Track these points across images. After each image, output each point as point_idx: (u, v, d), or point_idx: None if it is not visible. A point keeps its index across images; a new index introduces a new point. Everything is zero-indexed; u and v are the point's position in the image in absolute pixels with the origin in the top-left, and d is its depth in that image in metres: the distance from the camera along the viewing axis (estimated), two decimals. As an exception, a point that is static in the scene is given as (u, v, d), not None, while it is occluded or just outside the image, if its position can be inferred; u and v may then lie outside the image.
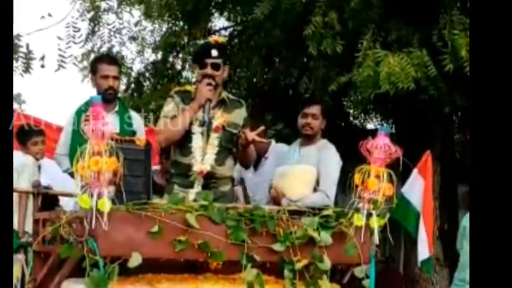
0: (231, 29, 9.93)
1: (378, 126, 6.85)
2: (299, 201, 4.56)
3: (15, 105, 12.88)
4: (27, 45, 6.90)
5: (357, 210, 3.89)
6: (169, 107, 4.61)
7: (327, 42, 6.64)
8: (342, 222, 3.90)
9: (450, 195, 9.33)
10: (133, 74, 10.18)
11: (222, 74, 4.59)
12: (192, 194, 4.37)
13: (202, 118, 4.49)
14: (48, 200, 4.43)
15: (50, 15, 8.35)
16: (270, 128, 7.96)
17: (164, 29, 10.16)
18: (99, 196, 3.39)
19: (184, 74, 10.25)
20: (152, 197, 3.87)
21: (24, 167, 5.61)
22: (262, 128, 4.64)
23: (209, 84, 4.50)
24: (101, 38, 9.84)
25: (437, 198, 7.67)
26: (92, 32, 9.65)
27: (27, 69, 6.97)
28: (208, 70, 4.53)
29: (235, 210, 3.79)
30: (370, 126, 11.05)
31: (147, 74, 10.15)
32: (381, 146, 3.84)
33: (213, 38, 4.73)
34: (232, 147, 4.62)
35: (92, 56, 9.47)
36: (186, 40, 9.41)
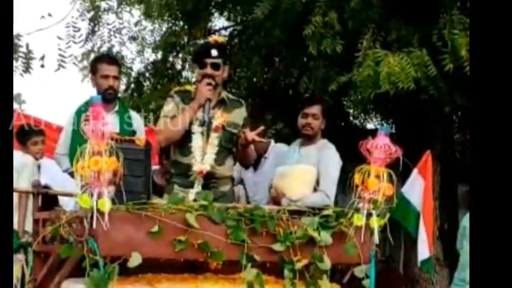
0: (231, 28, 9.93)
1: (378, 126, 6.86)
2: (299, 201, 4.56)
3: (15, 105, 12.86)
4: (27, 45, 6.90)
5: (357, 210, 3.89)
6: (169, 107, 4.61)
7: (327, 42, 6.64)
8: (342, 222, 3.90)
9: (450, 195, 9.33)
10: (133, 74, 10.18)
11: (222, 73, 4.59)
12: (192, 193, 4.37)
13: (202, 118, 4.49)
14: (48, 199, 4.43)
15: (50, 15, 8.36)
16: (270, 128, 7.97)
17: (164, 29, 10.16)
18: (99, 196, 3.39)
19: (184, 73, 10.25)
20: (152, 197, 3.87)
21: (24, 167, 5.62)
22: (262, 127, 4.65)
23: (209, 84, 4.50)
24: (100, 38, 9.84)
25: (437, 198, 7.67)
26: (92, 32, 9.65)
27: (27, 69, 6.97)
28: (208, 70, 4.53)
29: (235, 210, 3.79)
30: (370, 126, 11.05)
31: (147, 74, 10.15)
32: (381, 146, 3.84)
33: (212, 38, 4.73)
34: (232, 147, 4.62)
35: (92, 55, 9.47)
36: (186, 40, 9.40)
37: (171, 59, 9.96)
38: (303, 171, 4.88)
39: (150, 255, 3.55)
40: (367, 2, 6.64)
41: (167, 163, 5.16)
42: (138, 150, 3.90)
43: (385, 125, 9.75)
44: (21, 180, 5.39)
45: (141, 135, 4.84)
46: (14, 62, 6.64)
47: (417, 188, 6.30)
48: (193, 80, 9.28)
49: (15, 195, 4.16)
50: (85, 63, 9.78)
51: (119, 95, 5.45)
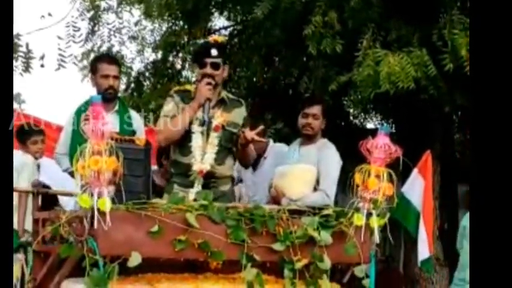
0: (231, 28, 9.93)
1: (378, 126, 6.88)
2: (299, 201, 4.56)
3: (15, 105, 12.87)
4: (27, 45, 6.90)
5: (357, 209, 3.89)
6: (169, 107, 4.61)
7: (327, 42, 6.64)
8: (342, 221, 3.90)
9: (450, 195, 9.34)
10: (133, 74, 10.18)
11: (221, 73, 4.59)
12: (192, 193, 4.37)
13: (202, 117, 4.49)
14: (47, 199, 4.42)
15: (50, 14, 8.36)
16: (270, 128, 7.97)
17: (164, 29, 10.16)
18: (99, 196, 3.39)
19: (184, 73, 10.26)
20: (152, 197, 3.87)
21: (24, 166, 5.62)
22: (261, 127, 4.65)
23: (209, 83, 4.50)
24: (100, 38, 9.84)
25: (437, 198, 7.67)
26: (92, 32, 9.66)
27: (27, 68, 6.97)
28: (208, 69, 4.53)
29: (235, 209, 3.79)
30: (370, 125, 11.07)
31: (147, 74, 10.15)
32: (381, 146, 3.84)
33: (212, 38, 4.73)
34: (232, 146, 4.62)
35: (92, 55, 9.48)
36: (186, 39, 9.41)
37: (171, 58, 9.97)
38: (303, 171, 4.88)
39: (150, 255, 3.55)
40: (367, 1, 6.64)
41: (167, 163, 5.16)
42: (138, 150, 3.91)
43: (385, 124, 9.76)
44: (21, 179, 5.38)
45: (141, 135, 4.84)
46: (14, 61, 6.64)
47: (417, 188, 6.29)
48: (193, 79, 9.29)
49: (15, 195, 4.17)
50: (85, 62, 9.79)
51: (119, 94, 5.45)
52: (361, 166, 3.84)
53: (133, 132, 4.89)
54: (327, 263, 3.82)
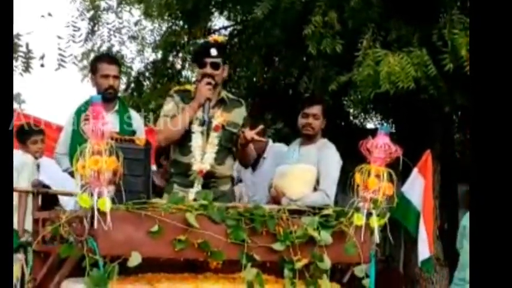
0: (231, 28, 9.93)
1: (378, 126, 6.88)
2: (299, 201, 4.56)
3: (15, 105, 12.88)
4: (27, 45, 6.91)
5: (357, 209, 3.89)
6: (169, 107, 4.61)
7: (327, 42, 6.64)
8: (342, 221, 3.90)
9: (450, 195, 9.34)
10: (133, 74, 10.19)
11: (221, 73, 4.59)
12: (191, 193, 4.36)
13: (202, 117, 4.48)
14: (48, 199, 4.43)
15: (50, 14, 8.37)
16: (270, 127, 7.97)
17: (164, 28, 10.16)
18: (99, 195, 3.39)
19: (184, 73, 10.26)
20: (152, 197, 3.87)
21: (24, 166, 5.62)
22: (261, 126, 4.65)
23: (209, 83, 4.50)
24: (100, 38, 9.85)
25: (437, 198, 7.67)
26: (92, 31, 9.67)
27: (26, 68, 6.98)
28: (208, 69, 4.53)
29: (235, 209, 3.79)
30: (370, 125, 11.07)
31: (147, 74, 10.15)
32: (381, 146, 3.84)
33: (212, 37, 4.73)
34: (232, 146, 4.62)
35: (92, 55, 9.49)
36: (186, 39, 9.41)
37: (171, 58, 9.97)
38: (303, 171, 4.88)
39: (150, 255, 3.55)
40: (367, 1, 6.64)
41: (167, 163, 5.16)
42: (138, 149, 3.91)
43: (385, 124, 9.76)
44: (21, 179, 5.39)
45: (141, 135, 4.84)
46: (13, 61, 6.64)
47: (417, 188, 6.29)
48: (193, 79, 9.29)
49: (15, 195, 4.16)
50: (85, 62, 9.80)
51: (119, 94, 5.45)
52: (361, 166, 3.84)
53: (133, 132, 4.89)
54: (327, 263, 3.81)
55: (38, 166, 5.87)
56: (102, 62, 5.08)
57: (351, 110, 10.68)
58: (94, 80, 5.05)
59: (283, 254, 3.78)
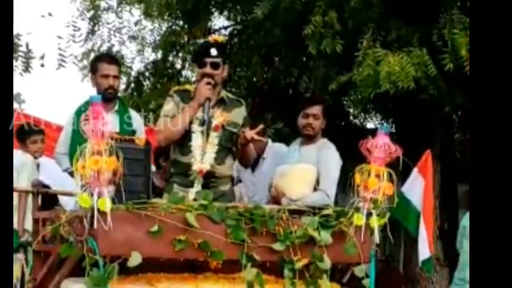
0: (231, 28, 9.93)
1: (378, 126, 6.86)
2: (299, 201, 4.55)
3: (15, 105, 12.87)
4: (27, 45, 6.92)
5: (357, 209, 3.89)
6: (169, 106, 4.61)
7: (327, 42, 6.65)
8: (342, 221, 3.90)
9: (450, 195, 9.34)
10: (133, 73, 10.19)
11: (221, 73, 4.59)
12: (191, 193, 4.36)
13: (202, 117, 4.48)
14: (47, 199, 4.42)
15: (50, 14, 8.37)
16: (270, 127, 7.97)
17: (164, 28, 10.17)
18: (99, 195, 3.39)
19: (184, 73, 10.27)
20: (152, 197, 3.87)
21: (23, 166, 5.62)
22: (261, 126, 4.64)
23: (208, 83, 4.50)
24: (100, 37, 9.86)
25: (437, 198, 7.67)
26: (92, 31, 9.67)
27: (27, 68, 6.99)
28: (208, 69, 4.53)
29: (235, 209, 3.79)
30: (370, 125, 11.07)
31: (146, 73, 10.15)
32: (381, 145, 3.84)
33: (212, 37, 4.73)
34: (232, 146, 4.62)
35: (92, 55, 9.49)
36: (186, 39, 9.41)
37: (171, 58, 9.97)
38: (303, 171, 4.88)
39: (150, 255, 3.55)
40: (367, 1, 6.64)
41: (166, 163, 5.16)
42: (138, 149, 3.91)
43: (385, 124, 9.76)
44: (21, 179, 5.38)
45: (141, 135, 4.84)
46: (14, 61, 6.64)
47: (417, 187, 6.29)
48: (193, 79, 9.29)
49: (15, 195, 4.16)
50: (85, 62, 9.80)
51: (119, 94, 5.45)
52: (361, 166, 3.84)
53: (133, 132, 4.89)
54: (327, 263, 3.82)
55: (38, 166, 5.86)
56: (102, 62, 5.08)
57: (351, 110, 10.68)
58: (94, 80, 5.05)
59: (283, 254, 3.78)
